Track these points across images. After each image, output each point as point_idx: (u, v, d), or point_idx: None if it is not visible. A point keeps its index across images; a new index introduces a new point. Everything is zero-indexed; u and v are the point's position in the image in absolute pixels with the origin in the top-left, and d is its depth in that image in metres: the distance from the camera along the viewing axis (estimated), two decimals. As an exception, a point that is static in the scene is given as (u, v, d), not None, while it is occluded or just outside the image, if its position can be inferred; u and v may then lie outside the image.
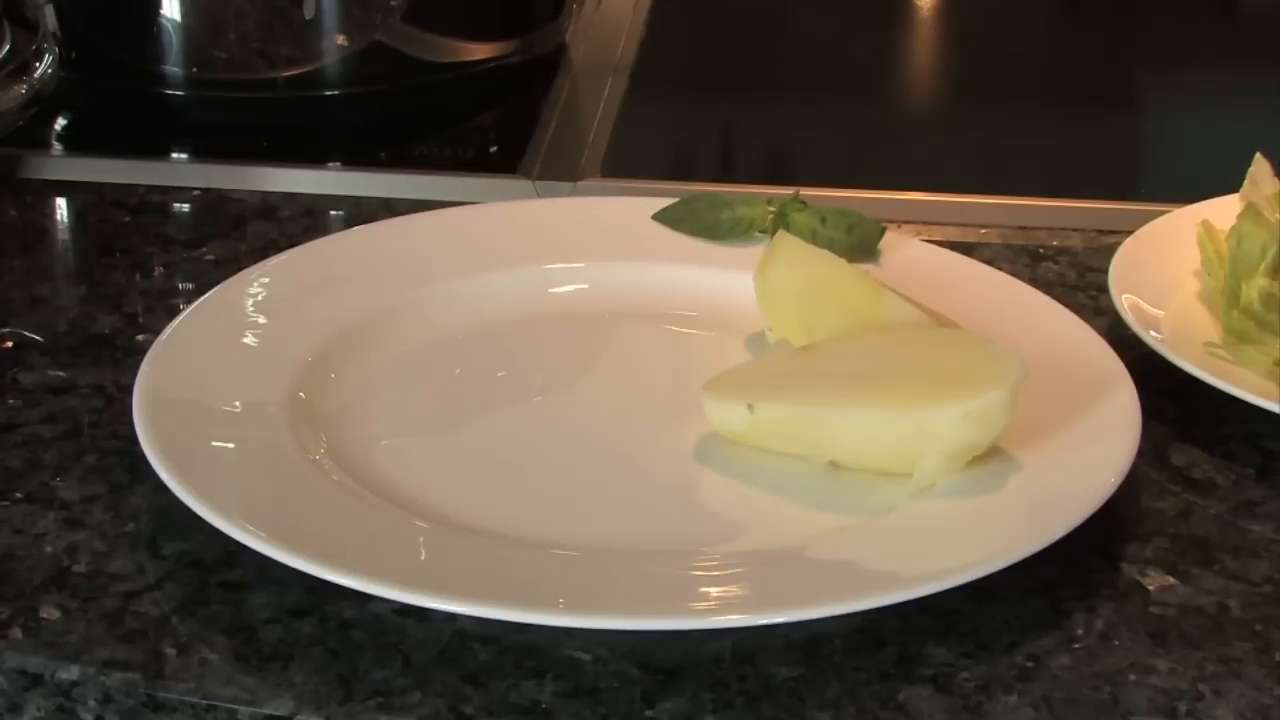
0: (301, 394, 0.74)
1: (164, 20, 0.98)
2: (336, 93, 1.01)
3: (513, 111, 1.08)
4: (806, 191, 0.88)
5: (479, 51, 1.05)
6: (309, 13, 0.97)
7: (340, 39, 0.99)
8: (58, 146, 1.01)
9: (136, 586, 0.64)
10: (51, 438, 0.73)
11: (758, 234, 0.85)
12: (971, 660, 0.62)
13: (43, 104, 0.95)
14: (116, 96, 1.02)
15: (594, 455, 0.72)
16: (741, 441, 0.71)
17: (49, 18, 0.97)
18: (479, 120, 1.08)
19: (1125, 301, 0.79)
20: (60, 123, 1.03)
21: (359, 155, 1.00)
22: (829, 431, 0.69)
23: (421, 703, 0.59)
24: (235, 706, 0.59)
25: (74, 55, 0.99)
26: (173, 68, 0.99)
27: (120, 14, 1.00)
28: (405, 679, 0.60)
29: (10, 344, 0.80)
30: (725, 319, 0.81)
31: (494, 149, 1.05)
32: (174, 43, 0.99)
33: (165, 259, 0.89)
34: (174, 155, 1.00)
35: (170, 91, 1.00)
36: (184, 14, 0.98)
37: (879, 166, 1.04)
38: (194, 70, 0.99)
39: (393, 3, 1.00)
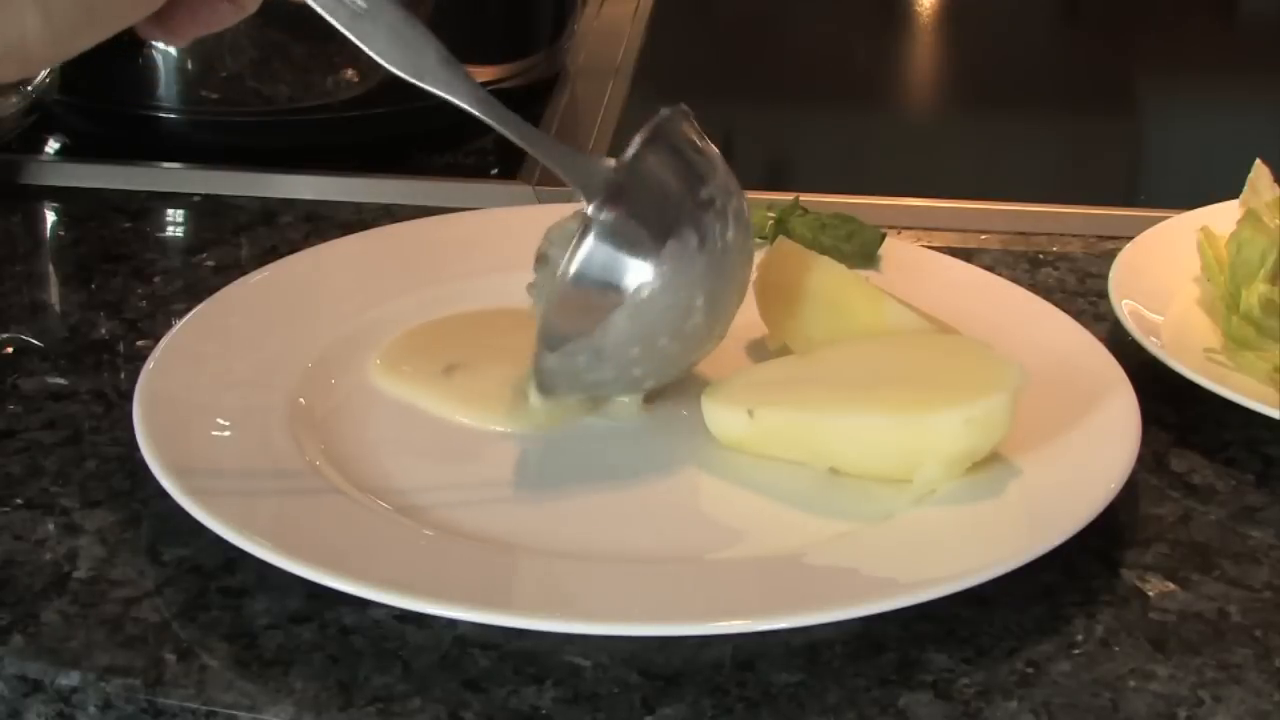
0: (301, 399, 0.74)
1: (160, 56, 0.98)
2: (338, 116, 1.00)
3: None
4: (806, 198, 0.88)
5: (481, 75, 1.04)
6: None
7: (350, 73, 0.99)
8: (57, 153, 1.01)
9: (137, 592, 0.64)
10: (52, 443, 0.73)
11: (757, 240, 0.85)
12: (971, 666, 0.62)
13: (43, 110, 0.95)
14: (113, 121, 1.02)
15: (593, 461, 0.72)
16: (741, 447, 0.71)
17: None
18: (480, 126, 1.07)
19: (1125, 307, 0.79)
20: (60, 130, 1.03)
21: (360, 162, 1.00)
22: (829, 437, 0.69)
23: (421, 709, 0.59)
24: (235, 712, 0.59)
25: (71, 83, 0.98)
26: (169, 100, 0.99)
27: (113, 46, 0.99)
28: (405, 685, 0.60)
29: (10, 350, 0.80)
30: (725, 325, 0.81)
31: (495, 154, 1.04)
32: (173, 78, 0.98)
33: (165, 265, 0.89)
34: (174, 162, 1.00)
35: (168, 115, 0.99)
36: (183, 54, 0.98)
37: (879, 172, 1.04)
38: (192, 103, 0.99)
39: None
